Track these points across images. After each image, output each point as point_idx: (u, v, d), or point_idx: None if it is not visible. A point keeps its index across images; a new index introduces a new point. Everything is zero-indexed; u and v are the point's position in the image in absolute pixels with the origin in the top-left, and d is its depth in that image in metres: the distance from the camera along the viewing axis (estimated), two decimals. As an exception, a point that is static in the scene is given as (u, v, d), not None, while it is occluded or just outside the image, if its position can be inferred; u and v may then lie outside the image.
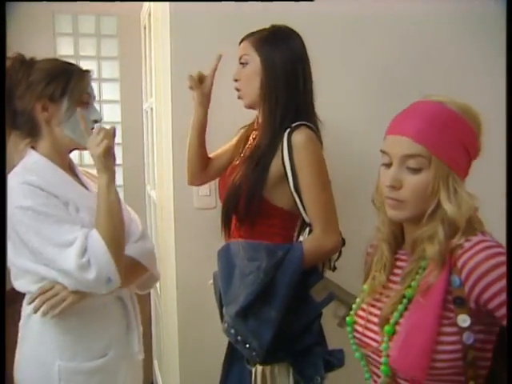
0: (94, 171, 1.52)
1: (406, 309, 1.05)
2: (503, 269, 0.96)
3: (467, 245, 1.01)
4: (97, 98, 1.63)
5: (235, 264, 1.52)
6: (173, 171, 2.06)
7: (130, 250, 1.50)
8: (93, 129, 1.44)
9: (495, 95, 1.98)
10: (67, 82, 1.43)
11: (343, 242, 1.57)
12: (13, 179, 1.40)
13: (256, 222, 1.55)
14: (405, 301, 1.06)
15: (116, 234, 1.37)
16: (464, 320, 0.99)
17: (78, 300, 1.39)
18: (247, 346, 1.44)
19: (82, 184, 1.56)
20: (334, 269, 1.62)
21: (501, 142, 1.60)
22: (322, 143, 1.61)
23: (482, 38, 2.19)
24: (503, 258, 0.97)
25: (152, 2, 2.43)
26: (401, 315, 1.05)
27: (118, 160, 5.48)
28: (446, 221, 1.03)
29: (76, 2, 4.52)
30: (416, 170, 1.03)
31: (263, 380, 1.53)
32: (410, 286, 1.06)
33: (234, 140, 1.81)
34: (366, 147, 1.33)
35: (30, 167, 1.44)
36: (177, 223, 2.08)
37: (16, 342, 1.53)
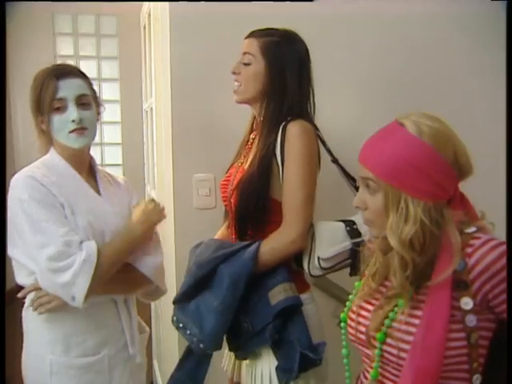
0: (114, 171, 1.69)
1: (396, 317, 1.06)
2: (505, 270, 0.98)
3: (477, 242, 1.01)
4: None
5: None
6: (173, 171, 2.06)
7: (139, 262, 1.57)
8: (75, 130, 1.48)
9: (495, 95, 1.99)
10: (38, 96, 1.49)
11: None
12: (22, 173, 1.48)
13: (263, 220, 1.55)
14: (396, 309, 1.07)
15: (111, 266, 1.46)
16: (466, 303, 1.00)
17: (63, 304, 1.43)
18: (188, 332, 1.50)
19: (96, 187, 1.60)
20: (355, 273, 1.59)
21: (501, 142, 1.60)
22: (323, 141, 1.62)
23: (482, 38, 2.19)
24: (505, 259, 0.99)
25: (151, 2, 2.43)
26: (391, 322, 1.06)
27: (118, 160, 5.46)
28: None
29: (76, 2, 4.52)
30: (372, 192, 1.06)
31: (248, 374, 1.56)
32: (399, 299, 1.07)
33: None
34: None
35: (44, 163, 1.53)
36: (177, 223, 2.09)
37: (15, 340, 1.56)
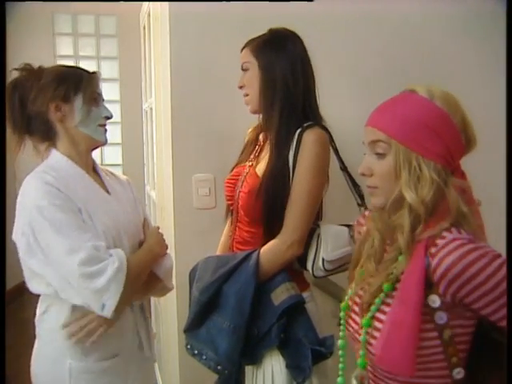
0: (114, 171, 1.68)
1: (382, 302, 1.05)
2: (478, 265, 0.95)
3: (441, 242, 1.00)
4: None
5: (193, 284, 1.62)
6: (172, 171, 2.06)
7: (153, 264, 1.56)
8: (104, 125, 1.51)
9: (495, 95, 1.99)
10: (79, 82, 1.48)
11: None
12: (33, 178, 1.43)
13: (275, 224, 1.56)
14: (382, 294, 1.06)
15: (136, 278, 1.45)
16: (434, 301, 1.00)
17: (111, 325, 1.42)
18: (204, 357, 1.52)
19: (104, 187, 1.58)
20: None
21: (501, 140, 1.60)
22: (337, 150, 1.64)
23: (482, 38, 2.19)
24: (477, 254, 0.96)
25: (151, 2, 2.43)
26: (378, 308, 1.05)
27: (118, 160, 5.45)
28: (412, 208, 1.03)
29: (75, 2, 4.52)
30: (381, 155, 1.06)
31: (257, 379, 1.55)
32: (388, 280, 1.06)
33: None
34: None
35: (51, 167, 1.48)
36: (177, 223, 2.09)
37: (16, 339, 1.53)
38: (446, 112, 1.03)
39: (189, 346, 1.58)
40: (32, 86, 1.45)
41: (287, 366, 1.47)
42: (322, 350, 1.43)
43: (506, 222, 1.19)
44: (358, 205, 1.68)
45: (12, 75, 1.50)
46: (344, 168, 1.67)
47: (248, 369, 1.61)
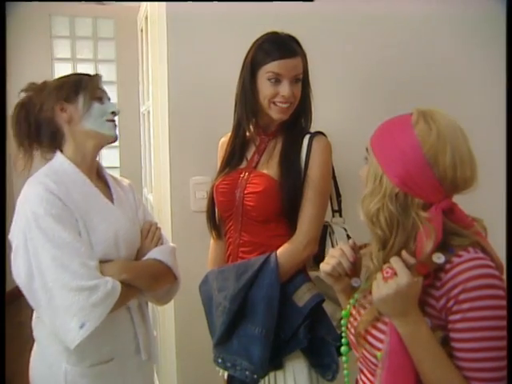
0: (111, 173, 1.70)
1: None
2: (485, 291, 0.95)
3: (456, 260, 1.00)
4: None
5: (212, 296, 1.61)
6: (170, 174, 2.06)
7: (151, 253, 1.57)
8: (112, 120, 1.52)
9: (495, 95, 1.99)
10: (79, 82, 1.51)
11: None
12: (35, 183, 1.43)
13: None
14: None
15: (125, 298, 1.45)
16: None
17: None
18: (238, 368, 1.50)
19: (107, 192, 1.58)
20: None
21: (501, 142, 1.60)
22: None
23: (482, 38, 2.20)
24: (488, 281, 0.96)
25: (149, 4, 2.43)
26: None
27: (115, 162, 5.46)
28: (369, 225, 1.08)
29: (73, 4, 4.52)
30: (366, 164, 1.12)
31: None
32: None
33: (221, 154, 1.80)
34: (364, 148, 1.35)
35: (53, 170, 1.48)
36: (174, 226, 2.09)
37: (16, 340, 1.53)
38: (417, 140, 1.02)
39: (220, 360, 1.55)
40: (39, 97, 1.49)
41: (312, 366, 1.50)
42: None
43: (506, 226, 1.19)
44: (334, 211, 1.76)
45: (20, 96, 1.53)
46: (333, 177, 1.73)
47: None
